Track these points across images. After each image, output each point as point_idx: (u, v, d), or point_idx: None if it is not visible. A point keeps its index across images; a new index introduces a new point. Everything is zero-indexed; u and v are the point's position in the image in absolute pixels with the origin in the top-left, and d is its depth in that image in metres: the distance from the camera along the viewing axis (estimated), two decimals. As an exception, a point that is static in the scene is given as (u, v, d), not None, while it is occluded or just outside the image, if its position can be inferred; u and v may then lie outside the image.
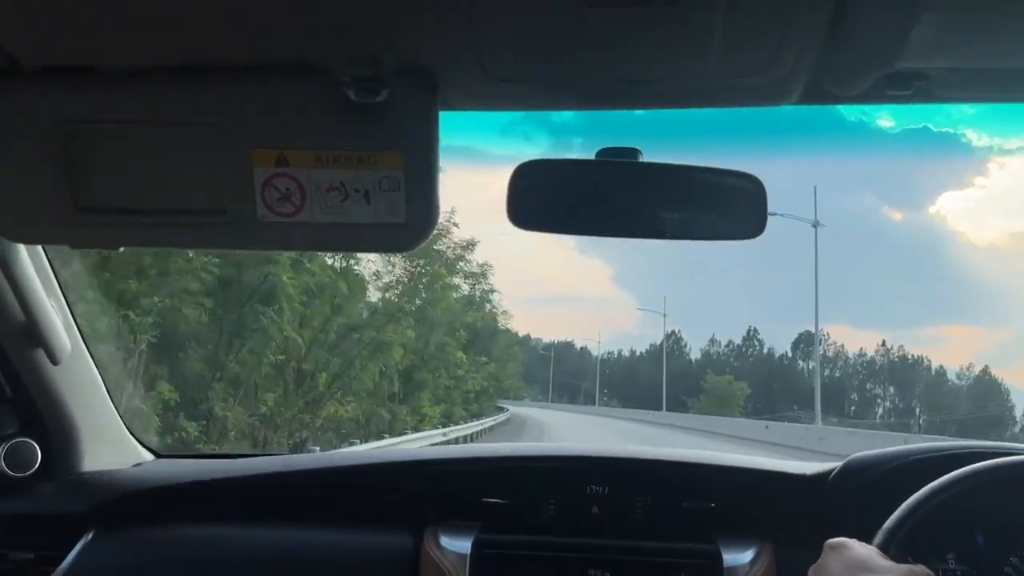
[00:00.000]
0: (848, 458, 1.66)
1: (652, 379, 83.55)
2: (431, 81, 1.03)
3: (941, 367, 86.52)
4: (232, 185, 1.07)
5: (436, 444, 13.40)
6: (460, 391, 23.95)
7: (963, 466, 1.22)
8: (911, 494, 1.19)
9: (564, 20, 0.91)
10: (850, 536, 1.40)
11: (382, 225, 1.08)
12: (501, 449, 1.87)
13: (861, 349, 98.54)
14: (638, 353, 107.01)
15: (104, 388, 1.75)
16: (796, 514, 1.61)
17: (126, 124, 1.06)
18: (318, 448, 10.96)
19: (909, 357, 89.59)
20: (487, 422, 25.10)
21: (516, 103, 1.17)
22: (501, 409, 35.74)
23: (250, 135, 1.05)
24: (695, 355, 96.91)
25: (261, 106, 1.05)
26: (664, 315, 71.82)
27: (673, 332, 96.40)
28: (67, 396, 1.62)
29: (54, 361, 1.55)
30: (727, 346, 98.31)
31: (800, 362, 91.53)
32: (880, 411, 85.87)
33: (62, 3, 0.90)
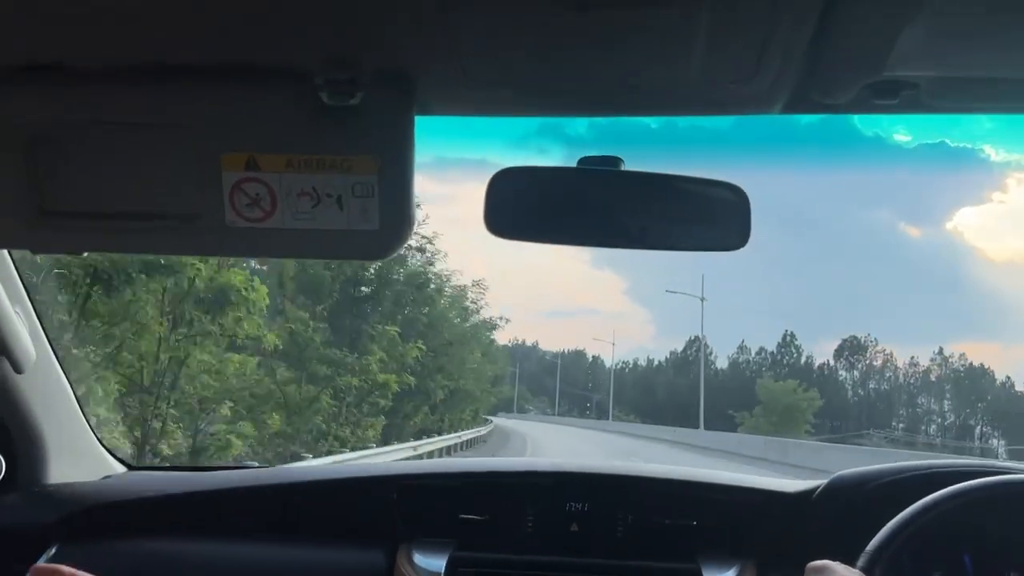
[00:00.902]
0: (833, 476, 1.64)
1: (674, 391, 78.21)
2: (408, 85, 1.01)
3: (1008, 379, 74.74)
4: (200, 189, 1.04)
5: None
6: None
7: (948, 485, 1.21)
8: (896, 513, 1.17)
9: (543, 25, 0.89)
10: (835, 555, 1.38)
11: (355, 232, 1.05)
12: (478, 464, 1.86)
13: (912, 358, 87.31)
14: (656, 362, 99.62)
15: (73, 397, 1.71)
16: (779, 533, 1.59)
17: (90, 125, 1.04)
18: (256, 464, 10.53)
19: (972, 366, 77.37)
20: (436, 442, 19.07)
21: (495, 108, 1.15)
22: (486, 422, 33.97)
23: (219, 138, 1.03)
24: (721, 363, 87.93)
25: (231, 108, 1.03)
26: (703, 299, 53.29)
27: (696, 338, 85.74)
28: (33, 406, 1.58)
29: (18, 370, 1.51)
30: (758, 354, 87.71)
31: (843, 372, 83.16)
32: (932, 428, 74.54)
33: (26, 1, 0.87)
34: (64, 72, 1.01)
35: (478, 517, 1.61)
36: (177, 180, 1.05)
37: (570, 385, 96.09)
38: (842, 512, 1.54)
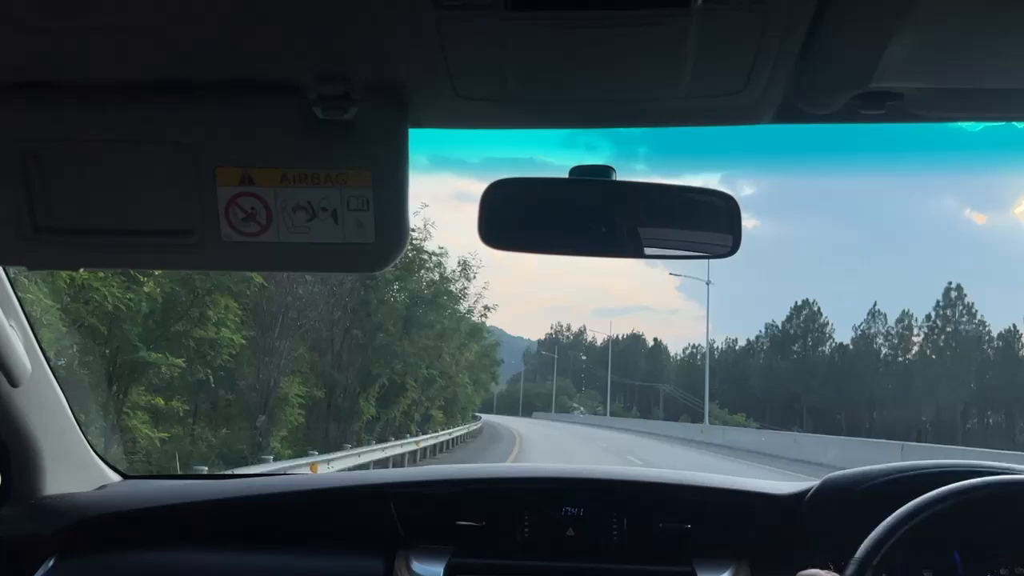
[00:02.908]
0: (824, 477, 1.65)
1: (776, 377, 63.76)
2: (401, 99, 1.02)
3: None
4: (196, 204, 1.05)
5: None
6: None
7: (938, 486, 1.21)
8: (887, 514, 1.18)
9: (534, 42, 0.90)
10: (827, 556, 1.42)
11: (350, 245, 1.06)
12: (475, 471, 1.86)
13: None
14: (739, 344, 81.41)
15: (68, 409, 1.71)
16: (773, 534, 1.60)
17: (84, 141, 1.04)
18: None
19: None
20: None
21: (488, 121, 1.16)
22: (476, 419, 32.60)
23: (214, 153, 1.03)
24: (844, 336, 73.65)
25: (226, 123, 1.03)
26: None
27: (806, 302, 72.58)
28: (29, 418, 1.58)
29: (14, 383, 1.51)
30: (900, 322, 62.68)
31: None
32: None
33: (19, 17, 0.87)
34: (57, 89, 1.01)
35: (475, 523, 1.63)
36: (172, 195, 1.06)
37: (625, 375, 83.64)
38: (834, 513, 1.56)
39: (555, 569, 1.57)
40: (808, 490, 1.63)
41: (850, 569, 1.10)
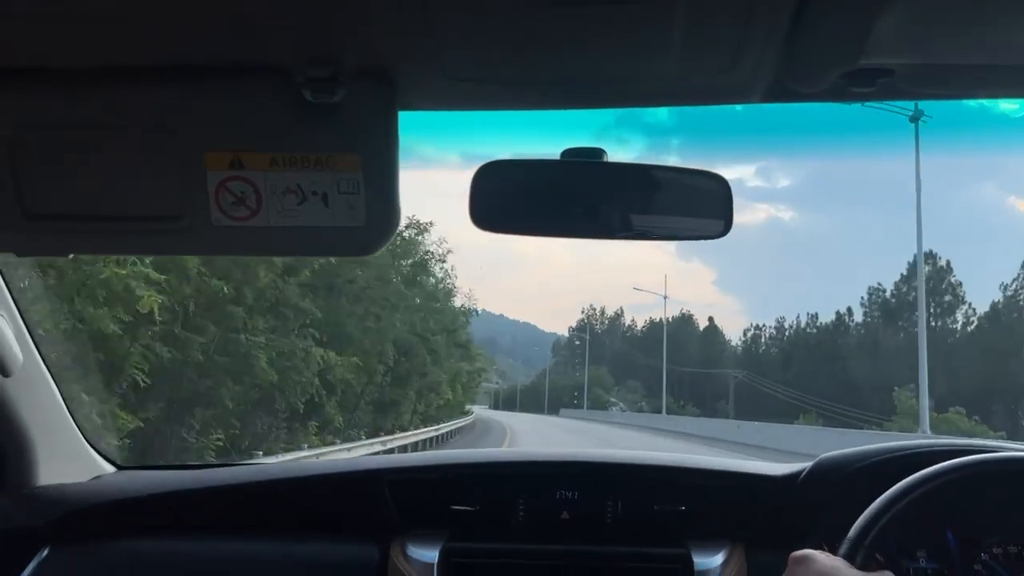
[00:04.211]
0: (818, 458, 1.65)
1: (876, 363, 47.21)
2: (390, 81, 1.02)
3: None
4: (185, 189, 1.05)
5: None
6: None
7: (931, 464, 1.21)
8: (880, 494, 1.18)
9: (522, 21, 0.90)
10: (822, 536, 1.41)
11: (341, 229, 1.06)
12: (469, 455, 1.86)
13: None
14: (821, 320, 63.29)
15: (61, 399, 1.70)
16: (767, 516, 1.60)
17: (72, 127, 1.03)
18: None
19: None
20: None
21: (477, 103, 1.16)
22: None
23: (203, 137, 1.03)
24: (982, 304, 53.21)
25: (214, 107, 1.03)
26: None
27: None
28: (20, 408, 1.57)
29: (5, 373, 1.50)
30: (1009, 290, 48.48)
31: None
32: None
33: (1, 3, 0.86)
34: (44, 74, 1.00)
35: (470, 508, 1.63)
36: (161, 180, 1.05)
37: (674, 362, 63.75)
38: (828, 494, 1.56)
39: (550, 552, 1.58)
40: (802, 471, 1.63)
41: (843, 549, 1.10)
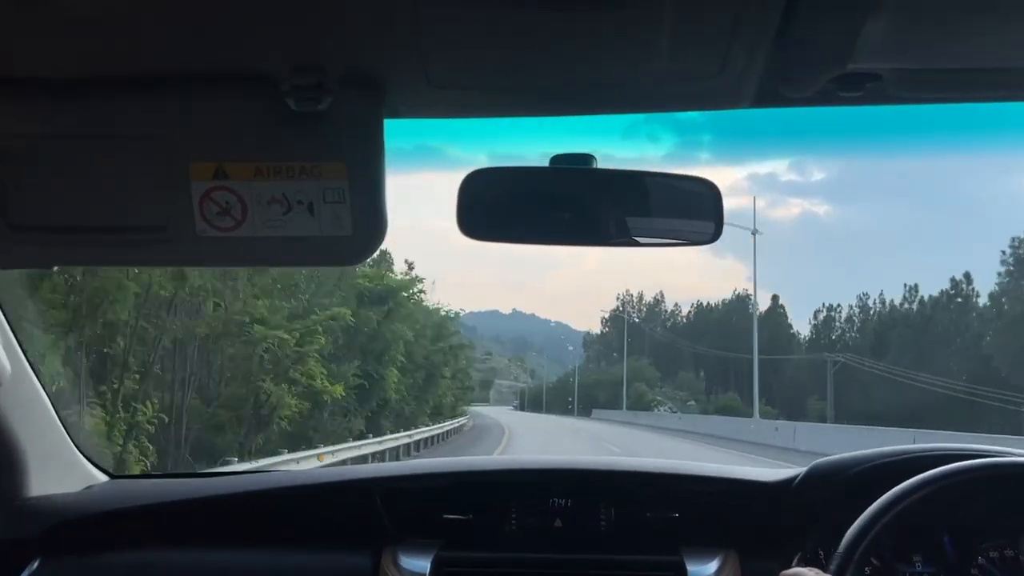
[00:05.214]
0: (811, 464, 1.64)
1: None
2: (375, 90, 1.01)
3: None
4: (170, 200, 1.04)
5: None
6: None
7: (924, 470, 1.21)
8: (875, 500, 1.17)
9: (507, 28, 0.89)
10: (815, 543, 1.43)
11: (327, 238, 1.05)
12: (461, 464, 1.86)
13: None
14: (920, 291, 49.41)
15: (52, 408, 1.68)
16: (760, 522, 1.60)
17: (57, 138, 1.03)
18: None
19: None
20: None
21: (464, 110, 1.15)
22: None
23: (187, 147, 1.02)
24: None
25: (198, 117, 1.02)
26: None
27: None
28: (10, 418, 1.55)
29: None
30: None
31: None
32: None
33: None
34: (27, 84, 1.00)
35: (462, 516, 1.62)
36: (146, 191, 1.05)
37: (731, 350, 54.99)
38: (822, 500, 1.55)
39: (543, 560, 1.57)
40: (795, 477, 1.63)
41: (832, 565, 1.10)
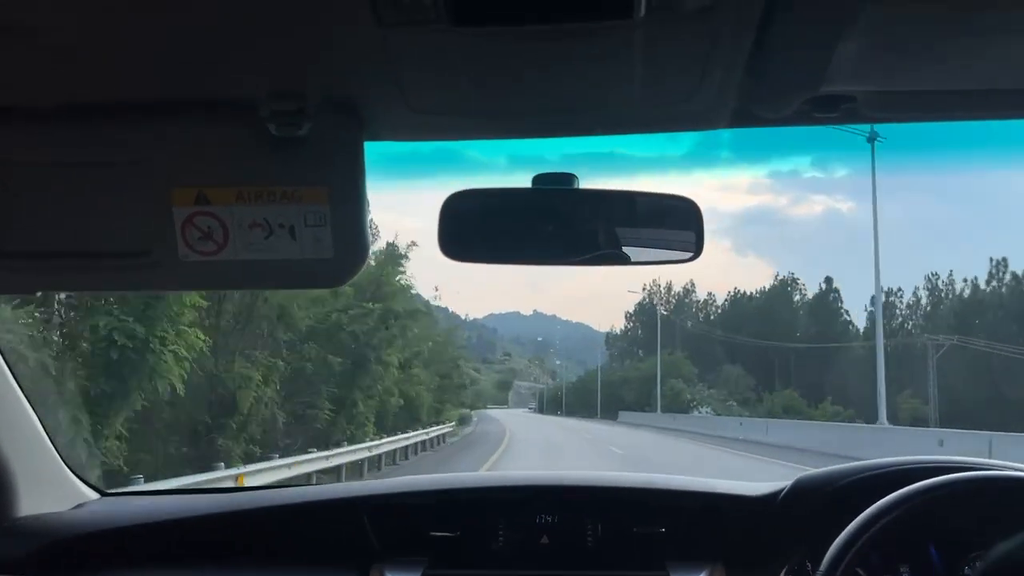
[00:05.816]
0: (796, 478, 1.65)
1: None
2: (354, 114, 1.02)
3: None
4: (152, 225, 1.05)
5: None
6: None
7: (909, 483, 1.22)
8: (859, 513, 1.18)
9: (482, 54, 0.90)
10: (801, 557, 1.43)
11: (309, 261, 1.06)
12: (448, 480, 1.85)
13: None
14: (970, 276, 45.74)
15: (40, 427, 1.67)
16: (746, 536, 1.60)
17: (38, 165, 1.04)
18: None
19: None
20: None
21: (444, 134, 1.16)
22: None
23: (169, 173, 1.04)
24: None
25: (179, 143, 1.03)
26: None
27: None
28: None
29: None
30: None
31: None
32: None
33: None
34: (11, 112, 1.00)
35: (449, 534, 1.62)
36: (128, 217, 1.06)
37: (776, 339, 48.47)
38: (807, 514, 1.56)
39: None
40: (781, 491, 1.63)
41: None
